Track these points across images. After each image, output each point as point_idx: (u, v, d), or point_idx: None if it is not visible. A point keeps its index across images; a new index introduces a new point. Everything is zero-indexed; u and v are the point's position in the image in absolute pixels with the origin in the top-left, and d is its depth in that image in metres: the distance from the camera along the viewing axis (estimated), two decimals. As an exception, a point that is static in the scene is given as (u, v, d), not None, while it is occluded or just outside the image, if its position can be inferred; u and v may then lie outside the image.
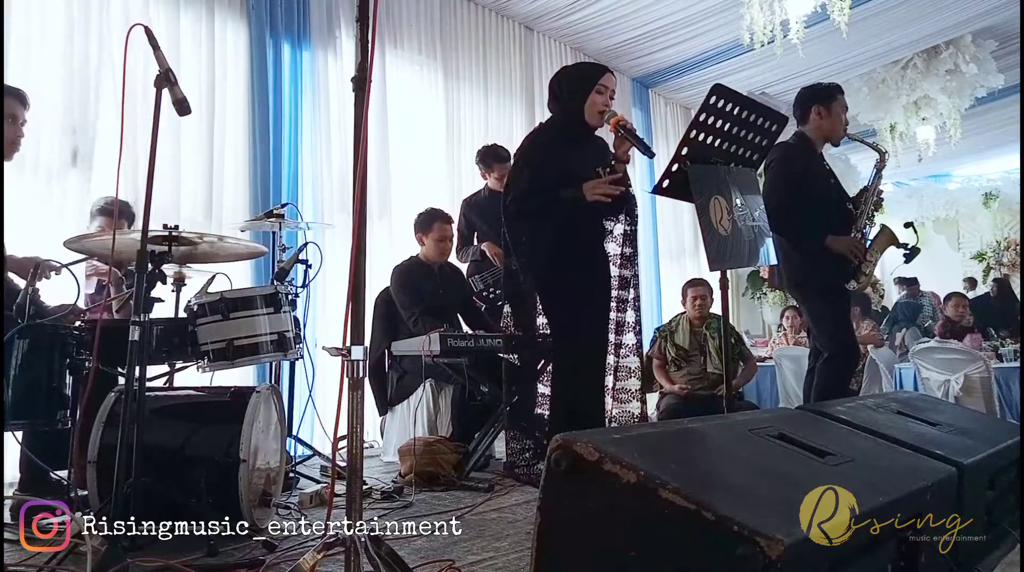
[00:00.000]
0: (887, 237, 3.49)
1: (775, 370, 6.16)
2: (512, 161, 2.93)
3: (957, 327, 6.72)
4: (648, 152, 2.67)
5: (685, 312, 4.88)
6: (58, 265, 2.57)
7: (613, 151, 2.80)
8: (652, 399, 4.73)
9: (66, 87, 3.80)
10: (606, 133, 2.86)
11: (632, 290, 3.00)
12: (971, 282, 10.29)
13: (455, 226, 4.39)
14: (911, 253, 3.58)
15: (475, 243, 4.55)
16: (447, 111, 5.80)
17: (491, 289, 4.35)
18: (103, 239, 2.46)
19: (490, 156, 4.53)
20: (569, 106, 2.81)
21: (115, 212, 3.14)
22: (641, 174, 7.49)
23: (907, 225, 3.97)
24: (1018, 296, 9.02)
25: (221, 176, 4.41)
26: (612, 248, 2.97)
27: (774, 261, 2.63)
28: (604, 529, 1.15)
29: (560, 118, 2.88)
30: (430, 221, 4.13)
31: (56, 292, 2.75)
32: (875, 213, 3.54)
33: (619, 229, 2.96)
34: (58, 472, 2.64)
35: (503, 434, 3.52)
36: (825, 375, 3.38)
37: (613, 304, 2.97)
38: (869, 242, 3.46)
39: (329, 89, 4.94)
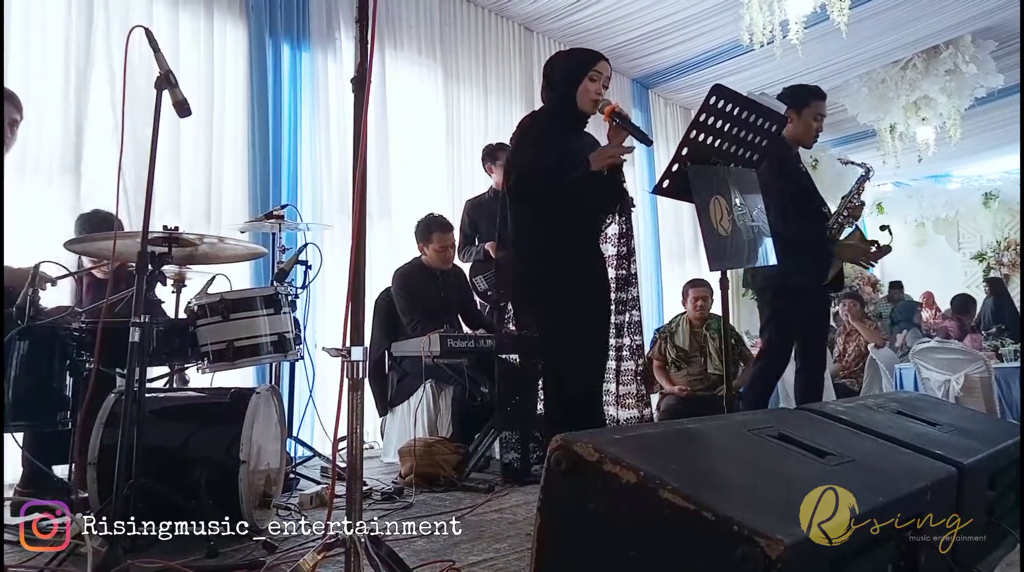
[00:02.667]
0: (856, 238, 3.54)
1: (775, 370, 6.13)
2: (511, 146, 2.84)
3: (967, 327, 6.79)
4: (645, 140, 2.59)
5: (685, 313, 4.88)
6: (53, 278, 2.57)
7: (608, 142, 2.65)
8: (652, 400, 4.73)
9: (65, 88, 3.79)
10: (598, 128, 2.79)
11: (632, 289, 2.94)
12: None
13: (457, 227, 4.37)
14: (880, 252, 3.60)
15: (477, 243, 4.54)
16: (447, 112, 5.80)
17: (495, 289, 4.34)
18: (103, 242, 2.46)
19: (495, 150, 4.51)
20: (562, 93, 2.69)
21: (116, 215, 3.14)
22: (641, 174, 7.49)
23: (883, 228, 4.08)
24: (1012, 294, 9.02)
25: (220, 177, 4.41)
26: (608, 249, 2.91)
27: (774, 261, 2.61)
28: (604, 529, 1.15)
29: (553, 105, 2.76)
30: (428, 232, 4.10)
31: (53, 293, 2.75)
32: (852, 219, 3.57)
33: (613, 229, 2.88)
34: (58, 468, 2.64)
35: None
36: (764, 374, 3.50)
37: (612, 306, 2.91)
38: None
39: (329, 89, 4.94)
